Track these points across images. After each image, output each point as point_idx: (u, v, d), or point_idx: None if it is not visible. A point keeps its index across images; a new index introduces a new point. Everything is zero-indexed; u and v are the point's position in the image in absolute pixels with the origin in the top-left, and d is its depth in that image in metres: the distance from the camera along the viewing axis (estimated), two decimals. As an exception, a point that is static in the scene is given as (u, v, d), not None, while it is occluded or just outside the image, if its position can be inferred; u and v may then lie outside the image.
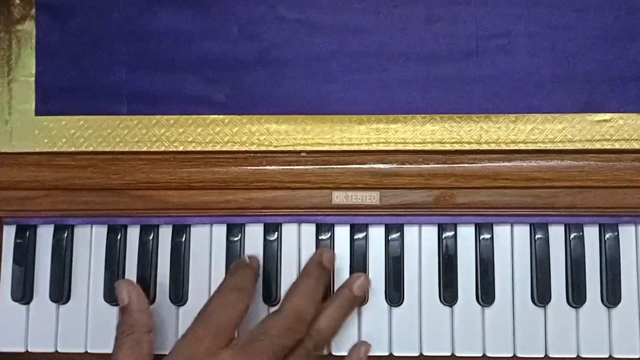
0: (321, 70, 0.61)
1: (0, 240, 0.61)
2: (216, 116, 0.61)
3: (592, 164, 0.59)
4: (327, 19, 0.61)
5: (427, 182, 0.59)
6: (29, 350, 0.60)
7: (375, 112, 0.61)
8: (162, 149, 0.61)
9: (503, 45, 0.60)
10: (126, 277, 0.60)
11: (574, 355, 0.58)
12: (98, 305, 0.60)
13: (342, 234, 0.60)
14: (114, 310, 0.60)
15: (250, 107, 0.61)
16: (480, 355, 0.59)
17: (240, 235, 0.60)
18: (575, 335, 0.59)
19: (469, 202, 0.59)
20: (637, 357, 0.58)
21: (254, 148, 0.61)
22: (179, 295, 0.60)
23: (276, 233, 0.60)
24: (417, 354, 0.59)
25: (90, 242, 0.61)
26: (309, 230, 0.61)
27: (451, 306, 0.59)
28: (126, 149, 0.61)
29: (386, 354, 0.59)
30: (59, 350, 0.60)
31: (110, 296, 0.60)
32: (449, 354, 0.59)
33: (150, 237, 0.61)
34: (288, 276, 0.60)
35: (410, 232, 0.60)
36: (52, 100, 0.62)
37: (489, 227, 0.60)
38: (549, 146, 0.60)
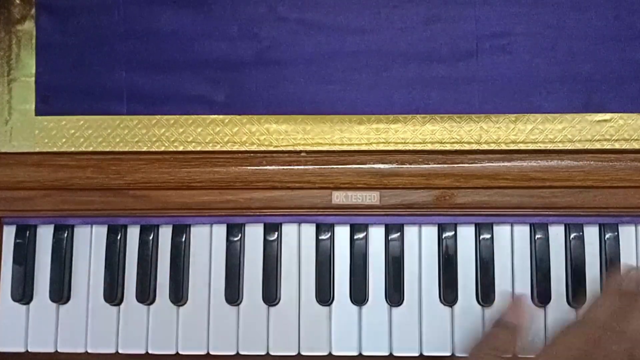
0: (321, 70, 0.61)
1: (0, 240, 0.61)
2: (216, 116, 0.61)
3: (592, 164, 0.59)
4: (327, 19, 0.61)
5: (427, 182, 0.59)
6: (29, 350, 0.60)
7: (375, 112, 0.61)
8: (162, 149, 0.61)
9: (503, 45, 0.60)
10: (126, 277, 0.60)
11: (574, 355, 0.58)
12: (98, 305, 0.60)
13: (342, 234, 0.60)
14: (114, 310, 0.60)
15: (250, 107, 0.61)
16: (480, 355, 0.59)
17: (240, 235, 0.60)
18: (575, 335, 0.59)
19: (469, 202, 0.59)
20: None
21: (254, 148, 0.61)
22: (179, 295, 0.60)
23: (276, 233, 0.60)
24: (417, 354, 0.59)
25: (90, 242, 0.61)
26: (309, 230, 0.61)
27: (451, 306, 0.59)
28: (126, 149, 0.61)
29: (386, 354, 0.59)
30: (59, 350, 0.60)
31: (110, 296, 0.60)
32: (449, 354, 0.59)
33: (150, 237, 0.61)
34: (288, 276, 0.60)
35: (410, 232, 0.60)
36: (52, 100, 0.62)
37: (489, 227, 0.60)
38: (549, 146, 0.60)
